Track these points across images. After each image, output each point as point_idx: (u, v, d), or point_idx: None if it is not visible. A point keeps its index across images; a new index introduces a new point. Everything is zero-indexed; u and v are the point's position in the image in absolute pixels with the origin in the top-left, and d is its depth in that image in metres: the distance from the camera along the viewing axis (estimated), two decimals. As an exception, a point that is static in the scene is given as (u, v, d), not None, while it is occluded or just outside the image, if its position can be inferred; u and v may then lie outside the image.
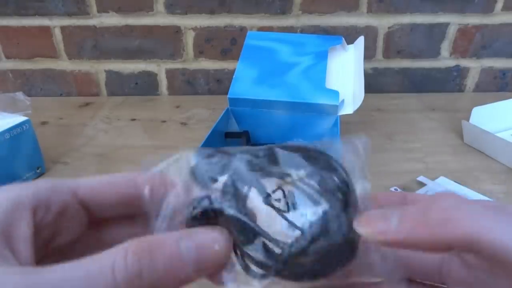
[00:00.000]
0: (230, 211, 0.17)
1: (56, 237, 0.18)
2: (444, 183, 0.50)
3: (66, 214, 0.18)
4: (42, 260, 0.16)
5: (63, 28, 0.79)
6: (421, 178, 0.51)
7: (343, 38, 0.63)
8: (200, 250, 0.15)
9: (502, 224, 0.15)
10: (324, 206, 0.17)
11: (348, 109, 0.55)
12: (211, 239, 0.15)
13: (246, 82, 0.58)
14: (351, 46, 0.64)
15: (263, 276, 0.17)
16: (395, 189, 0.49)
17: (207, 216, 0.17)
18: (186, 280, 0.15)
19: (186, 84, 0.84)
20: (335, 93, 0.55)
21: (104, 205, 0.19)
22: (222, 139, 0.56)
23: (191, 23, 0.78)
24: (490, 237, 0.15)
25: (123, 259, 0.14)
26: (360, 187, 0.20)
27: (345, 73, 0.60)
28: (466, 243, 0.15)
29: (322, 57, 0.60)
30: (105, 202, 0.19)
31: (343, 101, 0.55)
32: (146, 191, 0.18)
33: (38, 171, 0.55)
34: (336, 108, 0.54)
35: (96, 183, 0.19)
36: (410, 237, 0.16)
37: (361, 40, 0.62)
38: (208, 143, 0.48)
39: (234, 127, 0.59)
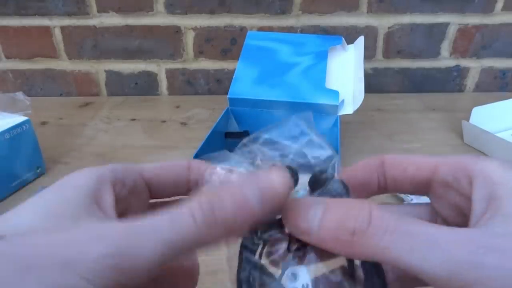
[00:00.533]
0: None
1: (127, 211, 0.20)
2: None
3: (135, 191, 0.20)
4: None
5: (63, 28, 0.79)
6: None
7: (343, 38, 0.63)
8: (263, 191, 0.17)
9: (405, 240, 0.15)
10: None
11: (348, 109, 0.55)
12: (270, 179, 0.17)
13: (246, 82, 0.58)
14: (351, 46, 0.64)
15: None
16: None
17: None
18: (257, 218, 0.16)
19: (186, 84, 0.84)
20: (335, 93, 0.55)
21: (163, 186, 0.21)
22: (222, 139, 0.56)
23: (191, 23, 0.79)
24: (392, 258, 0.15)
25: (198, 205, 0.16)
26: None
27: (345, 73, 0.60)
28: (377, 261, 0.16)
29: (322, 57, 0.60)
30: (164, 183, 0.21)
31: (343, 101, 0.55)
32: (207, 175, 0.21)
33: (38, 171, 0.55)
34: (336, 108, 0.54)
35: (158, 166, 0.22)
36: (328, 246, 0.16)
37: (361, 40, 0.62)
38: (208, 143, 0.48)
39: (234, 127, 0.59)
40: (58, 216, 0.16)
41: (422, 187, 0.20)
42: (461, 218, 0.19)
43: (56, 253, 0.14)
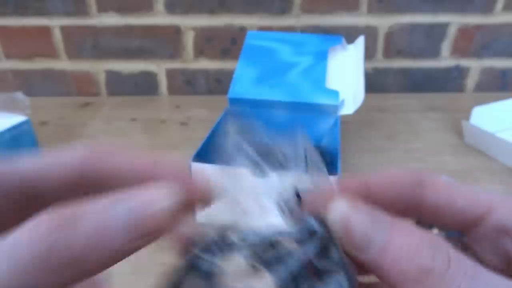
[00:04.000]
0: None
1: None
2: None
3: (16, 199, 0.15)
4: None
5: (63, 28, 0.79)
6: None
7: (343, 38, 0.63)
8: (133, 210, 0.12)
9: None
10: None
11: (348, 109, 0.55)
12: (149, 196, 0.12)
13: (246, 82, 0.58)
14: (351, 46, 0.64)
15: None
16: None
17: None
18: (116, 255, 0.11)
19: (186, 84, 0.84)
20: (335, 93, 0.55)
21: (42, 188, 0.15)
22: (222, 139, 0.56)
23: (191, 23, 0.78)
24: None
25: (36, 231, 0.11)
26: None
27: (345, 73, 0.60)
28: None
29: (322, 57, 0.60)
30: (44, 186, 0.15)
31: (343, 101, 0.55)
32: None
33: (38, 171, 0.54)
34: (336, 108, 0.54)
35: (42, 162, 0.15)
36: (386, 275, 0.13)
37: (361, 40, 0.62)
38: (208, 143, 0.48)
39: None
40: None
41: (466, 225, 0.17)
42: (505, 266, 0.16)
43: None
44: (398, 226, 0.14)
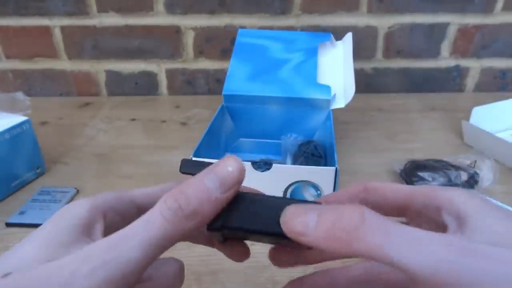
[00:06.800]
0: None
1: None
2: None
3: (127, 217, 0.22)
4: None
5: (63, 28, 0.79)
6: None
7: (332, 35, 0.64)
8: (219, 175, 0.19)
9: (400, 240, 0.16)
10: None
11: (340, 103, 0.56)
12: (225, 165, 0.19)
13: (239, 79, 0.59)
14: (339, 42, 0.65)
15: None
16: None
17: None
18: (219, 201, 0.19)
19: (186, 84, 0.85)
20: (327, 88, 0.56)
21: None
22: (219, 137, 0.56)
23: (191, 23, 0.79)
24: (383, 254, 0.16)
25: (164, 204, 0.18)
26: None
27: (335, 69, 0.61)
28: (371, 258, 0.17)
29: (312, 54, 0.61)
30: None
31: (334, 95, 0.56)
32: None
33: (38, 171, 0.55)
34: (328, 102, 0.55)
35: (147, 192, 0.23)
36: (324, 245, 0.18)
37: (349, 36, 0.63)
38: (205, 142, 0.48)
39: (229, 124, 0.59)
40: (55, 245, 0.18)
41: (401, 211, 0.23)
42: (440, 230, 0.21)
43: (53, 279, 0.16)
44: (325, 207, 0.19)
